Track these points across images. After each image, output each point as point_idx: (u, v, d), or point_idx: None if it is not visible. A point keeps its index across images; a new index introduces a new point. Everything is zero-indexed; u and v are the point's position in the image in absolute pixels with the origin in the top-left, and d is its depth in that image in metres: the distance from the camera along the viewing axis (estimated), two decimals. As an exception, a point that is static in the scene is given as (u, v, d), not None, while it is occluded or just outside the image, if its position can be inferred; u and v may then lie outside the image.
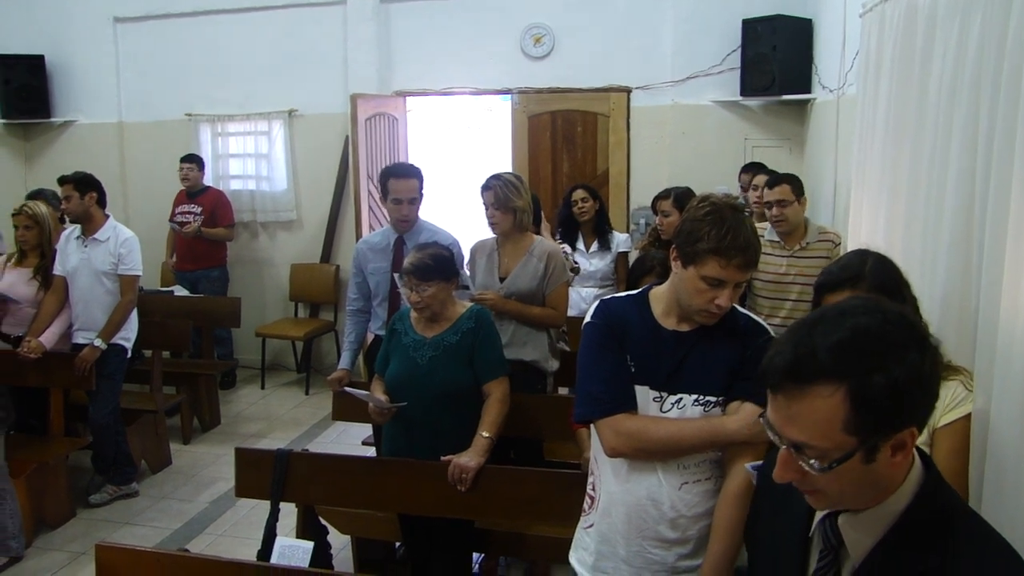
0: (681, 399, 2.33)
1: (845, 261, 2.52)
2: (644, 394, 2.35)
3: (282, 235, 8.15)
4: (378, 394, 3.69)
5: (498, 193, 4.21)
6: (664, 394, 2.34)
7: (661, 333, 2.38)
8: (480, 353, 3.59)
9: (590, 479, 2.56)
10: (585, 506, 2.57)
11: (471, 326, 3.61)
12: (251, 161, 8.12)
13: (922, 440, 1.51)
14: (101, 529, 5.21)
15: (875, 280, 2.34)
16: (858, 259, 2.45)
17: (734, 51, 6.76)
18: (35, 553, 4.95)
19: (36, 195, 6.17)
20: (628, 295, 2.53)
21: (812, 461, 1.39)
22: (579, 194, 5.76)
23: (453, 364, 3.57)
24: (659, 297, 2.43)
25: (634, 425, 2.31)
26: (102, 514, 5.43)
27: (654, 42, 7.04)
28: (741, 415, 2.28)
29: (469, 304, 3.79)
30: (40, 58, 8.30)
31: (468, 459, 3.42)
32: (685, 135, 7.06)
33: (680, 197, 4.95)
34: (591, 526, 2.51)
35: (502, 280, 4.27)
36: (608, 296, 2.58)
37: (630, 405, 2.34)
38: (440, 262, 3.57)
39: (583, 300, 5.50)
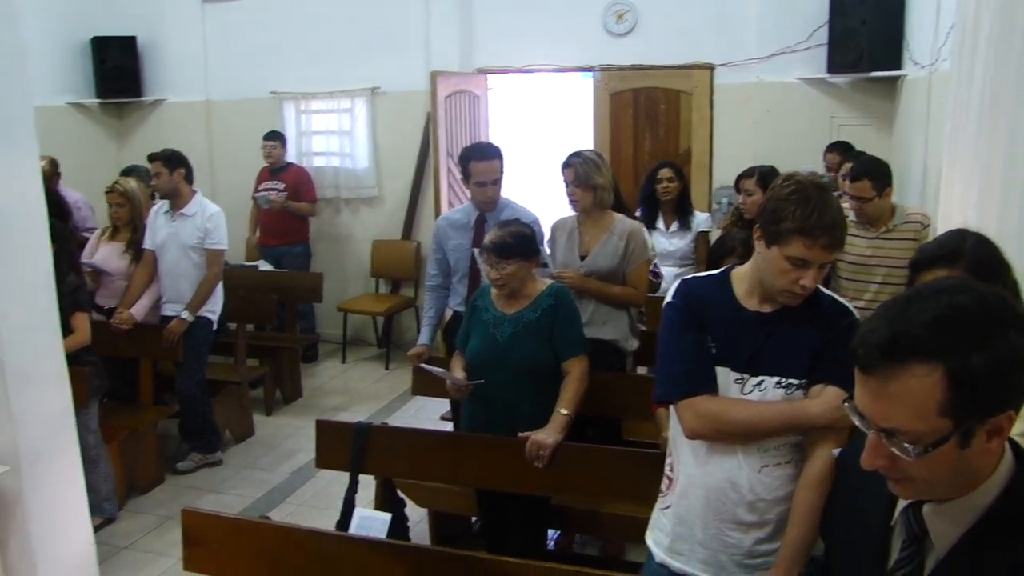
0: (763, 381, 2.30)
1: (944, 239, 2.45)
2: (725, 376, 2.33)
3: (364, 211, 8.23)
4: (458, 370, 3.72)
5: (578, 170, 4.19)
6: (745, 376, 2.31)
7: (743, 314, 2.35)
8: (560, 331, 3.59)
9: (668, 460, 2.55)
10: (663, 487, 2.56)
11: (551, 303, 3.61)
12: (334, 138, 8.20)
13: (1017, 431, 1.44)
14: (187, 495, 5.37)
15: (974, 259, 2.27)
16: (958, 237, 2.38)
17: (821, 26, 6.60)
18: (126, 515, 5.14)
19: (130, 172, 6.35)
20: (710, 275, 2.50)
21: (906, 445, 1.33)
22: (665, 172, 5.68)
23: (532, 341, 3.58)
24: (741, 277, 2.40)
25: (714, 407, 2.29)
26: (188, 481, 5.60)
27: (738, 18, 6.91)
28: (824, 399, 2.24)
29: (549, 282, 3.79)
30: (132, 39, 8.50)
31: (546, 436, 3.43)
32: (769, 113, 6.93)
33: (764, 176, 4.86)
34: (668, 507, 2.49)
35: (582, 258, 4.26)
36: (689, 276, 2.55)
37: (710, 386, 2.32)
38: (520, 240, 3.58)
39: (665, 280, 5.45)
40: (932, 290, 1.36)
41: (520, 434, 3.48)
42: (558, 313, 3.60)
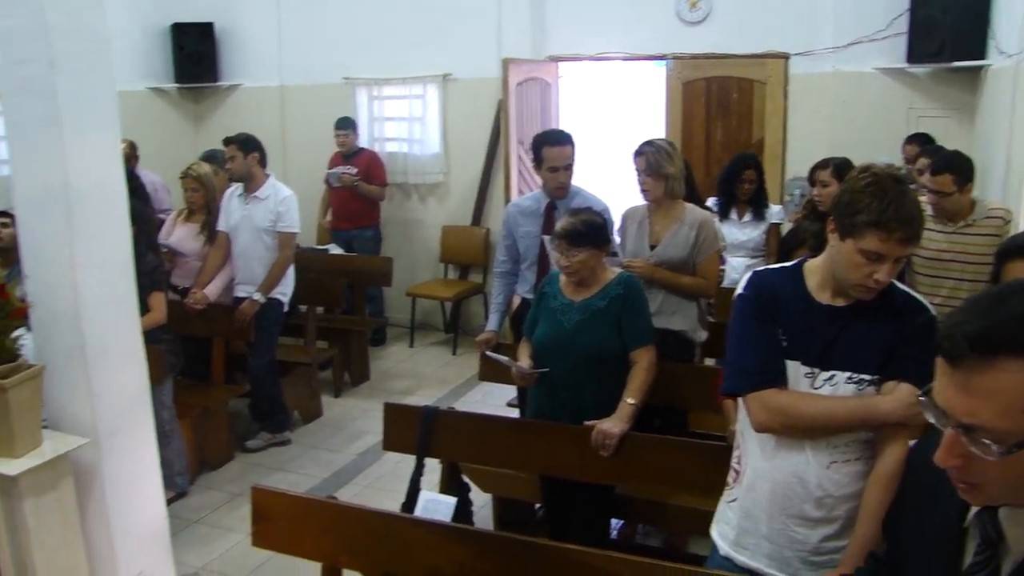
0: (834, 376, 2.27)
1: None
2: (795, 369, 2.30)
3: (434, 197, 8.28)
4: (524, 356, 3.73)
5: (650, 159, 4.17)
6: (816, 370, 2.28)
7: (815, 307, 2.32)
8: (628, 320, 3.58)
9: (735, 453, 2.53)
10: (729, 480, 2.54)
11: (619, 292, 3.60)
12: (405, 124, 8.25)
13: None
14: (255, 473, 5.48)
15: None
16: None
17: (901, 15, 6.44)
18: (197, 491, 5.27)
19: (211, 157, 6.47)
20: (782, 267, 2.48)
21: (988, 442, 1.26)
22: (750, 175, 5.56)
23: (599, 329, 3.58)
24: (814, 270, 2.37)
25: (784, 400, 2.27)
26: (257, 459, 5.71)
27: (815, 6, 6.77)
28: (897, 396, 2.20)
29: (619, 271, 3.77)
30: (210, 25, 8.66)
31: (612, 425, 3.43)
32: (845, 104, 6.79)
33: (840, 167, 4.78)
34: (734, 500, 2.48)
35: (652, 248, 4.23)
36: (761, 268, 2.53)
37: (780, 380, 2.30)
38: (592, 228, 3.57)
39: (733, 270, 5.41)
40: None
41: (586, 423, 3.48)
42: (627, 302, 3.59)
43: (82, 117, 3.43)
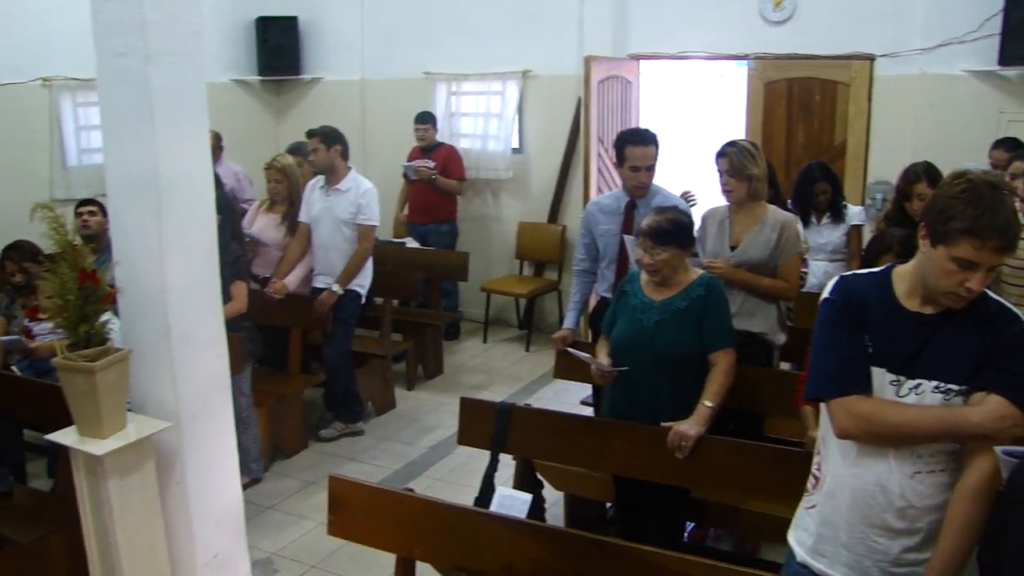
0: (920, 385, 2.22)
1: None
2: (880, 376, 2.25)
3: (510, 193, 8.29)
4: (603, 354, 3.72)
5: (733, 160, 4.12)
6: (902, 378, 2.23)
7: (903, 314, 2.27)
8: (708, 322, 3.55)
9: (816, 459, 2.49)
10: (809, 486, 2.50)
11: (701, 293, 3.58)
12: (483, 120, 8.28)
13: None
14: (328, 462, 5.56)
15: None
16: None
17: (995, 15, 6.26)
18: (271, 477, 5.36)
19: (295, 149, 6.58)
20: (870, 272, 2.43)
21: None
22: (821, 187, 5.44)
23: (679, 329, 3.55)
24: (903, 276, 2.32)
25: (868, 408, 2.22)
26: (330, 448, 5.79)
27: (903, 7, 6.60)
28: (987, 407, 2.14)
29: (701, 272, 3.74)
30: (294, 19, 8.79)
31: (689, 427, 3.41)
32: (931, 107, 6.62)
33: (931, 176, 4.64)
34: (813, 507, 2.44)
35: (733, 249, 4.19)
36: (848, 272, 2.48)
37: (864, 386, 2.25)
38: (677, 228, 3.55)
39: (812, 274, 5.31)
40: None
41: (663, 424, 3.46)
42: (708, 303, 3.57)
43: (173, 108, 3.50)
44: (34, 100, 7.02)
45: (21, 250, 4.92)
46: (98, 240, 5.34)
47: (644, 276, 3.69)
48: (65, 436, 3.42)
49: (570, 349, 4.03)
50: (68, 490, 3.79)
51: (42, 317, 4.56)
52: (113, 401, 3.37)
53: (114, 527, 3.41)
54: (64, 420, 3.51)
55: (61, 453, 3.93)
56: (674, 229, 3.54)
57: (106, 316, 3.38)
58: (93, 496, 3.43)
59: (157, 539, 3.61)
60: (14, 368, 4.79)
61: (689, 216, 3.82)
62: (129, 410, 3.53)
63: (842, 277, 2.41)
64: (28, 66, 6.91)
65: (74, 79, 7.11)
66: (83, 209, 5.53)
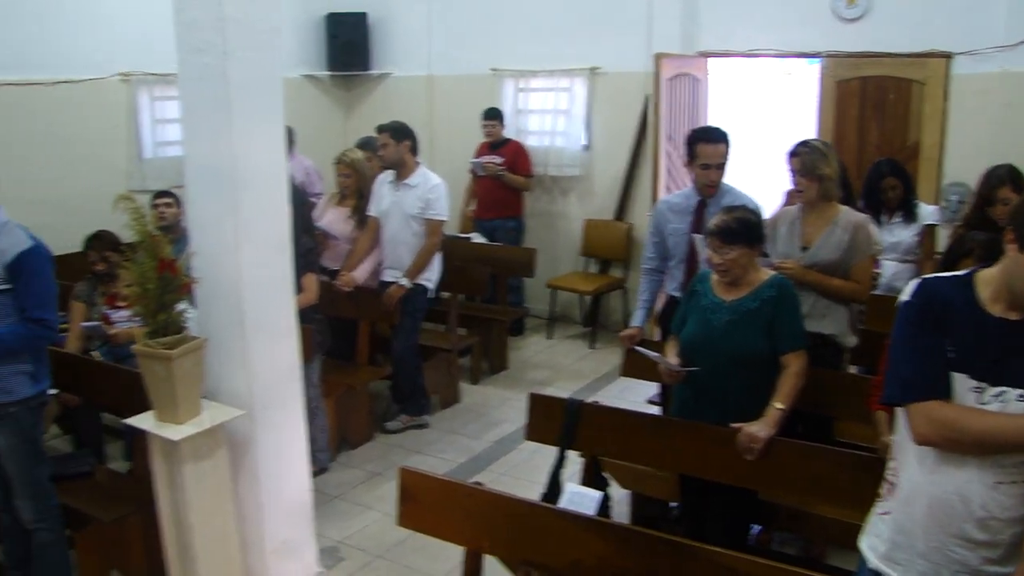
0: (1004, 392, 2.16)
1: None
2: (962, 383, 2.20)
3: (577, 190, 8.28)
4: (672, 354, 3.71)
5: (805, 160, 4.07)
6: (984, 385, 2.18)
7: (987, 319, 2.21)
8: (779, 323, 3.52)
9: (891, 464, 2.44)
10: (882, 492, 2.46)
11: (772, 294, 3.54)
12: (550, 117, 8.27)
13: None
14: (394, 454, 5.62)
15: None
16: None
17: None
18: (337, 468, 5.44)
19: (365, 143, 6.65)
20: (952, 276, 2.37)
21: None
22: (890, 182, 5.34)
23: (749, 330, 3.52)
24: (987, 280, 2.26)
25: (949, 414, 2.17)
26: (396, 440, 5.85)
27: (984, 3, 6.44)
28: None
29: (772, 272, 3.71)
30: (363, 15, 8.89)
31: (758, 429, 3.38)
32: (1011, 107, 6.43)
33: (1015, 179, 4.53)
34: (887, 513, 2.40)
35: (803, 250, 4.14)
36: (929, 275, 2.44)
37: (944, 392, 2.20)
38: (746, 227, 3.52)
39: (883, 275, 5.22)
40: None
41: (732, 425, 3.44)
42: (779, 305, 3.53)
43: (250, 103, 3.58)
44: (113, 95, 7.22)
45: (103, 240, 5.04)
46: (173, 231, 5.46)
47: (715, 276, 3.66)
48: (143, 421, 3.52)
49: (639, 348, 4.02)
50: (145, 472, 3.90)
51: (120, 305, 4.68)
52: (189, 388, 3.45)
53: (188, 510, 3.50)
54: (141, 405, 3.60)
55: (139, 437, 4.03)
56: (742, 228, 3.51)
57: (182, 305, 3.46)
58: (169, 479, 3.52)
59: (228, 523, 3.70)
60: (94, 353, 4.91)
61: (758, 214, 3.77)
62: (203, 397, 3.61)
63: (923, 279, 2.36)
64: (108, 62, 7.11)
65: (151, 74, 7.30)
66: (159, 201, 5.65)
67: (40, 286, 3.57)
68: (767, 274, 3.65)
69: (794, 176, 4.15)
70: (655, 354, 3.75)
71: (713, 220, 3.57)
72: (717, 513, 3.69)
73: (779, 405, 3.43)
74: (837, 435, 4.30)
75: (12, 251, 3.49)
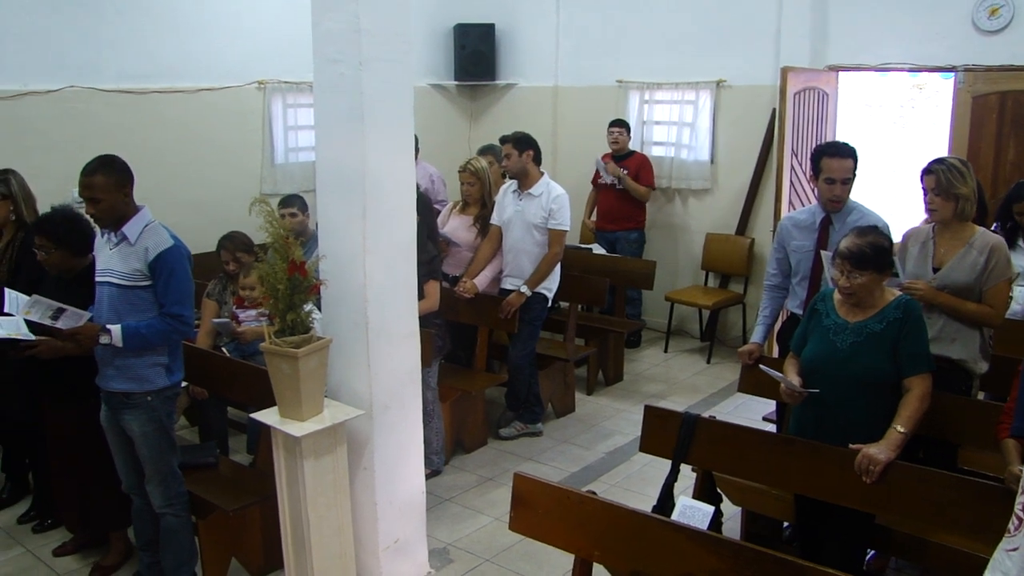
0: None
1: None
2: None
3: (699, 204, 8.21)
4: (792, 373, 3.65)
5: (940, 178, 3.95)
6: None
7: None
8: (905, 346, 3.43)
9: (1020, 498, 2.36)
10: (1011, 527, 2.37)
11: (898, 316, 3.45)
12: (674, 129, 8.23)
13: None
14: (507, 460, 5.67)
15: None
16: None
17: None
18: (451, 471, 5.51)
19: (487, 151, 6.74)
20: None
21: None
22: (1020, 207, 5.12)
23: (874, 352, 3.45)
24: None
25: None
26: (509, 447, 5.90)
27: None
28: None
29: (897, 293, 3.61)
30: (491, 26, 9.02)
31: (879, 451, 3.30)
32: None
33: None
34: (1015, 549, 2.32)
35: (935, 271, 4.02)
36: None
37: None
38: (878, 253, 3.43)
39: (1016, 301, 5.00)
40: None
41: (852, 446, 3.37)
42: (905, 327, 3.44)
43: (382, 112, 3.68)
44: (249, 102, 7.50)
45: (234, 240, 5.24)
46: (302, 234, 5.65)
47: (838, 295, 3.59)
48: (267, 416, 3.65)
49: (762, 367, 3.95)
50: (267, 466, 4.05)
51: (248, 305, 4.86)
52: (313, 386, 3.56)
53: (306, 504, 3.61)
54: (266, 401, 3.74)
55: (263, 432, 4.17)
56: (874, 253, 3.42)
57: (307, 307, 3.57)
58: (289, 474, 3.64)
59: (344, 520, 3.80)
60: (223, 349, 5.10)
61: (890, 239, 3.66)
62: (326, 396, 3.72)
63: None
64: (245, 71, 7.40)
65: (285, 82, 7.56)
66: (284, 211, 5.83)
67: (178, 283, 3.74)
68: (892, 295, 3.56)
69: (927, 195, 4.03)
70: (778, 373, 3.68)
71: (844, 242, 3.49)
72: (834, 535, 3.62)
73: (900, 428, 3.35)
74: (961, 463, 4.16)
75: (155, 250, 3.68)
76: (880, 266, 3.45)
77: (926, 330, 3.57)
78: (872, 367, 3.44)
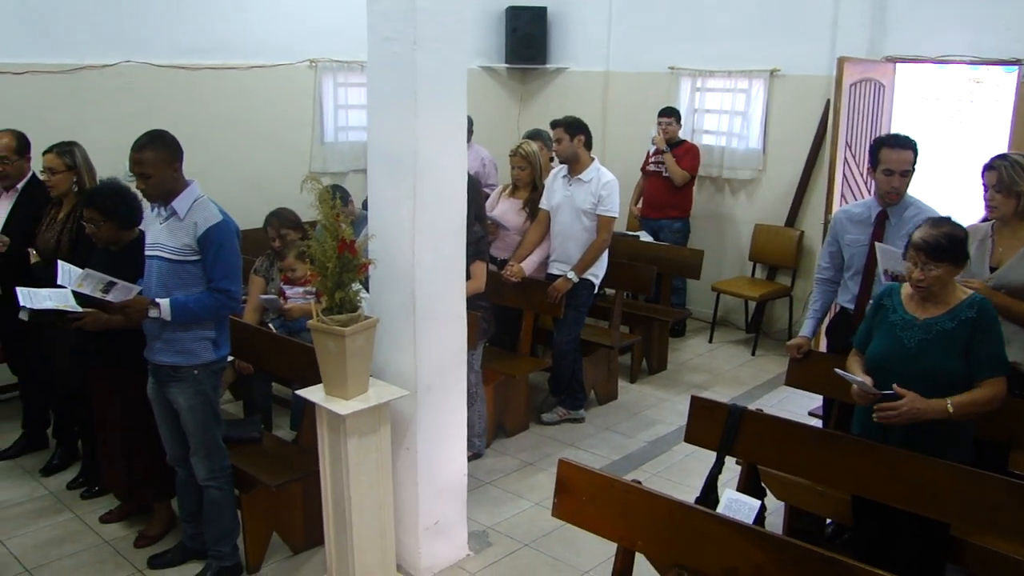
0: None
1: None
2: None
3: (748, 194, 8.12)
4: (857, 371, 3.53)
5: (1003, 175, 3.84)
6: None
7: None
8: (979, 347, 3.30)
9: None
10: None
11: (971, 315, 3.32)
12: (726, 117, 8.14)
13: None
14: (548, 445, 5.67)
15: None
16: None
17: None
18: (492, 454, 5.53)
19: (535, 135, 6.72)
20: None
21: None
22: None
23: (945, 351, 3.32)
24: None
25: None
26: (550, 432, 5.89)
27: None
28: None
29: (971, 291, 3.47)
30: (543, 10, 8.98)
31: (914, 399, 3.26)
32: None
33: None
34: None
35: (992, 270, 3.92)
36: None
37: None
38: (955, 244, 3.31)
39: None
40: None
41: (894, 388, 3.31)
42: (979, 327, 3.31)
43: (435, 92, 3.67)
44: (300, 80, 7.55)
45: (280, 217, 5.25)
46: (348, 213, 5.66)
47: (905, 290, 3.48)
48: (313, 393, 3.67)
49: (837, 370, 3.74)
50: (310, 443, 4.07)
51: (293, 281, 4.88)
52: (359, 365, 3.57)
53: (348, 482, 3.63)
54: (311, 378, 3.76)
55: (307, 408, 4.20)
56: (951, 244, 3.30)
57: (355, 286, 3.58)
58: (333, 451, 3.66)
59: (385, 499, 3.82)
60: (270, 325, 5.14)
61: (965, 231, 3.49)
62: (371, 376, 3.73)
63: None
64: (297, 49, 7.46)
65: (336, 61, 7.59)
66: None
67: (226, 258, 3.76)
68: (965, 292, 3.43)
69: (987, 191, 3.94)
70: (854, 377, 3.50)
71: (919, 233, 3.36)
72: (903, 543, 3.51)
73: (950, 405, 3.25)
74: (1012, 466, 4.06)
75: (204, 225, 3.70)
76: (956, 258, 3.32)
77: (1001, 331, 3.43)
78: (941, 367, 3.32)
